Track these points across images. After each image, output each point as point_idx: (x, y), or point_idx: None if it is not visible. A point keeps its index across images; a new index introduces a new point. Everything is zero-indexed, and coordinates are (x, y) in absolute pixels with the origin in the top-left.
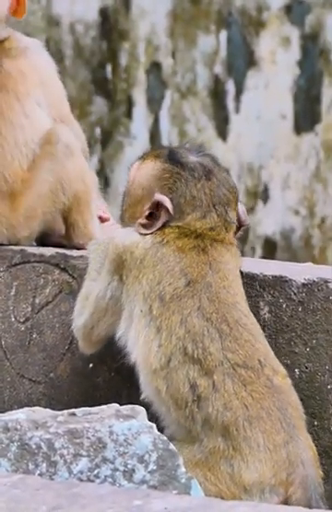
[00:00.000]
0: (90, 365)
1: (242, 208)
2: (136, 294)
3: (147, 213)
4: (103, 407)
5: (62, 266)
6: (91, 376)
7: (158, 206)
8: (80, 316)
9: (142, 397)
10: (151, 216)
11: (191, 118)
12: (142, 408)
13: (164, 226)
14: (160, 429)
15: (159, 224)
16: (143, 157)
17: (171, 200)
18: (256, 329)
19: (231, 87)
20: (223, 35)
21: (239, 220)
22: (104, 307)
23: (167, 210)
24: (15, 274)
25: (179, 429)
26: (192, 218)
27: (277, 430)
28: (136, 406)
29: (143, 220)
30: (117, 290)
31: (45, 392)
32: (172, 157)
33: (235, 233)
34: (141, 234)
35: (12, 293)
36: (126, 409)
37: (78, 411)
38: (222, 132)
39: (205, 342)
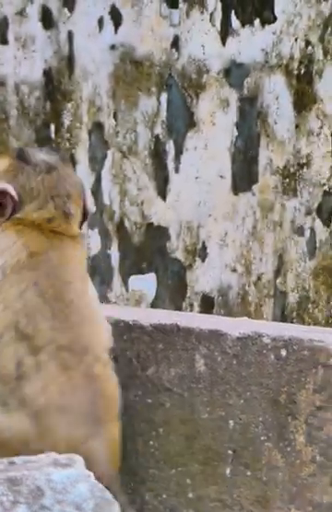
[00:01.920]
0: None
1: (88, 201)
2: None
3: None
4: (42, 456)
5: None
6: None
7: (4, 195)
8: None
9: None
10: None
11: (132, 177)
12: (80, 457)
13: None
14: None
15: (8, 211)
16: None
17: (14, 189)
18: (90, 312)
19: (171, 147)
20: (164, 97)
21: (84, 212)
22: None
23: (11, 196)
24: None
25: None
26: (30, 209)
27: (82, 424)
28: (74, 455)
29: None
30: None
31: None
32: (20, 154)
33: (80, 225)
34: None
35: None
36: (64, 458)
37: (18, 459)
38: (162, 191)
39: (37, 318)
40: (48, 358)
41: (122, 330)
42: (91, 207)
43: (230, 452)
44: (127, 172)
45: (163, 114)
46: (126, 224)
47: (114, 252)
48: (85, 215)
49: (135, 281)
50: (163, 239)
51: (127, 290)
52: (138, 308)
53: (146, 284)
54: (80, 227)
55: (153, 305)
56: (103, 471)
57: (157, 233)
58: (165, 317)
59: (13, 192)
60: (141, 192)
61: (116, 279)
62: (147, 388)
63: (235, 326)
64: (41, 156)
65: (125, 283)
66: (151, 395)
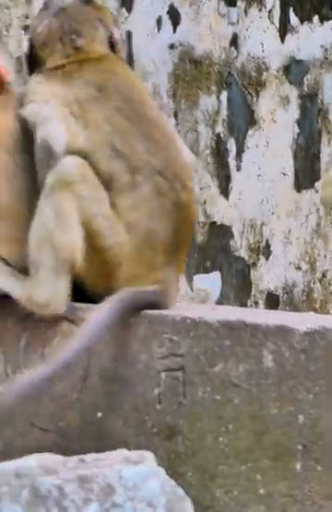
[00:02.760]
0: (99, 413)
1: (115, 30)
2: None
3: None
4: (112, 453)
5: (70, 318)
6: (100, 424)
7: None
8: None
9: None
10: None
11: (194, 176)
12: (150, 453)
13: None
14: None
15: (26, 67)
16: None
17: (30, 41)
18: (170, 130)
19: (232, 145)
20: (224, 95)
21: (110, 41)
22: None
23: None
24: (24, 327)
25: None
26: (44, 56)
27: (163, 251)
28: (145, 452)
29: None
30: None
31: (55, 441)
32: (45, 3)
33: (113, 50)
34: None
35: (22, 344)
36: (135, 454)
37: (88, 457)
38: (224, 189)
39: (131, 140)
40: (143, 180)
41: (188, 327)
42: (117, 36)
43: (299, 447)
44: None
45: (224, 113)
46: None
47: None
48: (111, 42)
49: (199, 280)
50: (227, 238)
51: (192, 289)
52: (204, 304)
53: (210, 282)
54: (114, 51)
55: (218, 304)
56: (171, 296)
57: (220, 232)
58: (231, 313)
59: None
60: (203, 191)
61: (181, 278)
62: (215, 384)
63: (302, 321)
64: (59, 0)
65: (190, 282)
66: (219, 391)
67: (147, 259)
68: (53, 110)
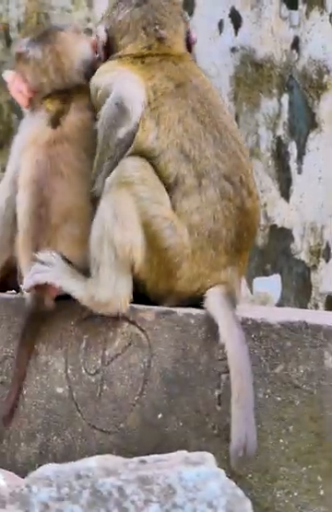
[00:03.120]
0: (159, 415)
1: (192, 30)
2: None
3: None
4: (172, 454)
5: (131, 319)
6: (161, 426)
7: (97, 37)
8: None
9: None
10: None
11: (255, 179)
12: (210, 455)
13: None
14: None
15: (101, 54)
16: None
17: (107, 31)
18: (240, 137)
19: (293, 148)
20: (285, 98)
21: (188, 40)
22: None
23: (97, 37)
24: (85, 328)
25: None
26: (123, 44)
27: (225, 252)
28: (205, 453)
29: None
30: None
31: (116, 442)
32: None
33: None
34: None
35: (83, 346)
36: (195, 456)
37: (148, 458)
38: (285, 192)
39: (201, 144)
40: (209, 184)
41: (249, 328)
42: (194, 36)
43: None
44: None
45: (285, 116)
46: None
47: None
48: (188, 41)
49: (259, 283)
50: (287, 241)
51: (252, 292)
52: (265, 306)
53: (270, 285)
54: (189, 51)
55: (278, 306)
56: (235, 293)
57: (281, 234)
58: (292, 314)
59: (101, 34)
60: (264, 194)
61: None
62: (276, 386)
63: None
64: None
65: (250, 285)
66: (280, 393)
67: (209, 259)
68: (132, 76)
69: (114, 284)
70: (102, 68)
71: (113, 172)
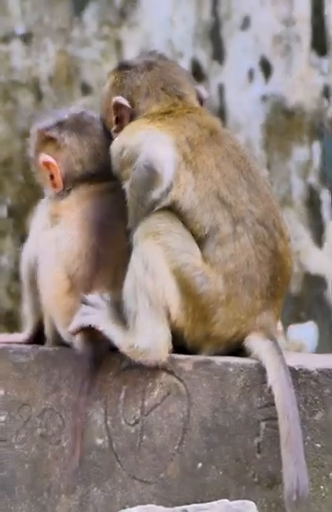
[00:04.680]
0: (199, 464)
1: (200, 87)
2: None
3: (114, 119)
4: (214, 503)
5: (169, 369)
6: (201, 475)
7: (117, 108)
8: None
9: None
10: (119, 120)
11: (288, 227)
12: (252, 503)
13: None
14: None
15: (126, 121)
16: None
17: (124, 96)
18: (269, 183)
19: (325, 196)
20: (316, 146)
21: (199, 97)
22: None
23: (122, 106)
24: (124, 379)
25: None
26: (148, 106)
27: (261, 296)
28: (246, 501)
29: (114, 127)
30: None
31: (156, 492)
32: (120, 64)
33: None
34: None
35: (122, 396)
36: (237, 504)
37: (190, 507)
38: (318, 240)
39: (237, 189)
40: (244, 230)
41: None
42: (205, 92)
43: None
44: None
45: (316, 163)
46: None
47: None
48: (200, 99)
49: (294, 330)
50: (321, 288)
51: (287, 339)
52: (302, 353)
53: (305, 333)
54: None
55: (314, 353)
56: (272, 336)
57: (314, 282)
58: (330, 361)
59: (123, 102)
60: (297, 242)
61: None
62: (315, 432)
63: None
64: (139, 59)
65: (285, 332)
66: (320, 440)
67: (245, 304)
68: (161, 136)
69: (152, 331)
70: (130, 127)
71: (139, 226)
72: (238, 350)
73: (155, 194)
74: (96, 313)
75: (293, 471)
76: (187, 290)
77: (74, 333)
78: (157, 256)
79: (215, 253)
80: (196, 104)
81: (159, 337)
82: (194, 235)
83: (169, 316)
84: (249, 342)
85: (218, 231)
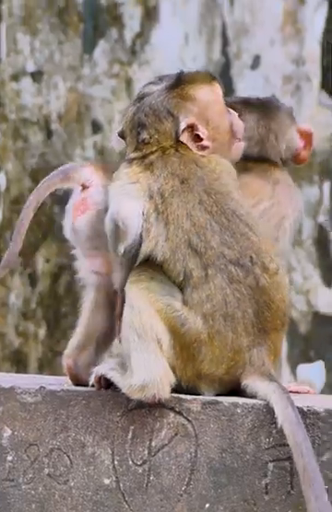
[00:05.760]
0: (207, 505)
1: (185, 121)
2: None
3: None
4: None
5: (177, 409)
6: None
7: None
8: None
9: None
10: None
11: (297, 266)
12: None
13: None
14: None
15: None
16: None
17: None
18: (251, 218)
19: None
20: (326, 185)
21: (177, 133)
22: None
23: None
24: (132, 419)
25: None
26: (128, 144)
27: (246, 333)
28: None
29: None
30: None
31: None
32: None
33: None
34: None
35: (129, 437)
36: None
37: None
38: (327, 279)
39: (207, 235)
40: (216, 272)
41: None
42: (183, 126)
43: None
44: (292, 262)
45: (326, 203)
46: (293, 313)
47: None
48: (177, 135)
49: (303, 370)
50: (330, 327)
51: (296, 379)
52: (310, 394)
53: (314, 372)
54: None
55: (322, 393)
56: (270, 376)
57: (324, 321)
58: None
59: (115, 139)
60: (306, 281)
61: (284, 368)
62: (324, 473)
63: None
64: (145, 88)
65: (294, 371)
66: (328, 481)
67: (230, 342)
68: (131, 187)
69: (145, 367)
70: (115, 174)
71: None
72: (241, 391)
73: (121, 248)
74: (108, 362)
75: (315, 506)
76: (172, 329)
77: (92, 386)
78: (141, 298)
79: (192, 296)
80: (167, 141)
81: (153, 371)
82: (173, 281)
83: (161, 351)
84: (248, 383)
85: (191, 276)
